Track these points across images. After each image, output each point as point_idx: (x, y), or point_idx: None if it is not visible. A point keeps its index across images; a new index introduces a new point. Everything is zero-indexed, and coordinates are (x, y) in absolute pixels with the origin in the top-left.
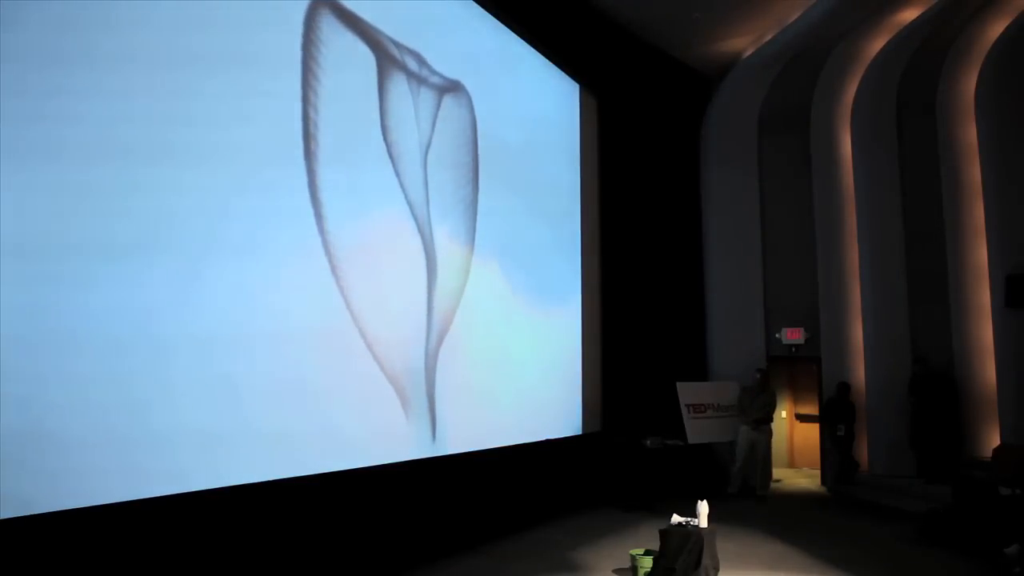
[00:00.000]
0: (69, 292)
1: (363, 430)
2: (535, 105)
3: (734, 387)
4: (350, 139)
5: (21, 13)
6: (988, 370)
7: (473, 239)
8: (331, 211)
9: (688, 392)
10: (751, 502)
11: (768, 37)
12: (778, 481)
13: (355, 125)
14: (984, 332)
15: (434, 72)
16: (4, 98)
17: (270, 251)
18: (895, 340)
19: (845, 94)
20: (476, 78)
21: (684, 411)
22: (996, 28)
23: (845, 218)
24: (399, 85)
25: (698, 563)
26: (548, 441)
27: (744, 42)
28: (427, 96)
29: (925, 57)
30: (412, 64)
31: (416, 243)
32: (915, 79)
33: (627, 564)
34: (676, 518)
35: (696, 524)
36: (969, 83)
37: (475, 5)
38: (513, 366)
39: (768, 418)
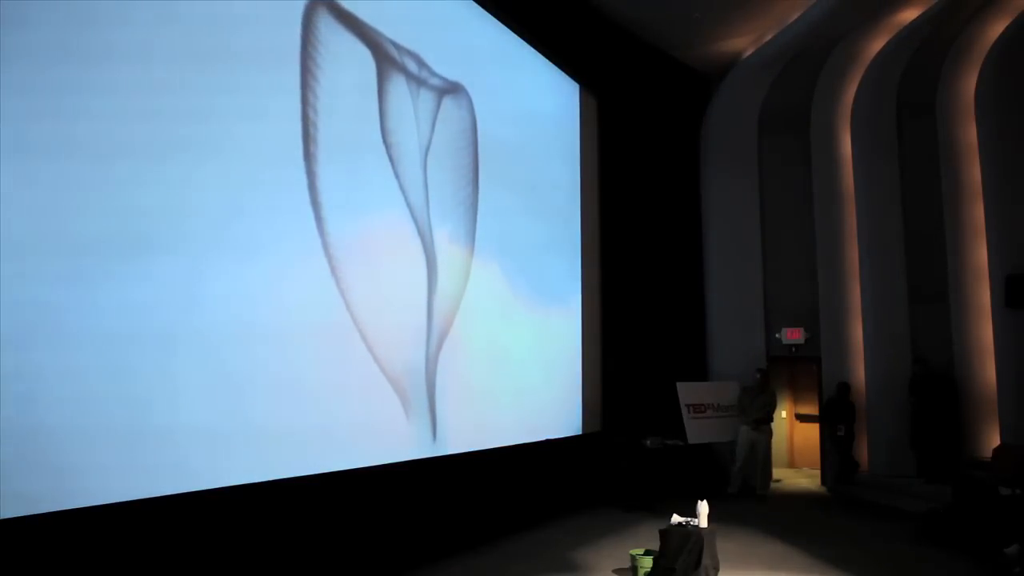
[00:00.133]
0: (71, 289)
1: (364, 430)
2: (535, 105)
3: (734, 387)
4: (350, 140)
5: (27, 11)
6: (988, 370)
7: (473, 240)
8: (331, 212)
9: (688, 392)
10: (751, 502)
11: (768, 37)
12: (778, 481)
13: (355, 126)
14: (984, 332)
15: (434, 73)
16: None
17: (270, 252)
18: (895, 340)
19: (845, 94)
20: (476, 78)
21: (684, 411)
22: (996, 28)
23: (845, 218)
24: (399, 86)
25: (698, 563)
26: (548, 441)
27: (744, 42)
28: (427, 97)
29: (925, 57)
30: (411, 65)
31: (416, 244)
32: (915, 79)
33: (627, 564)
34: (676, 518)
35: (696, 524)
36: (969, 83)
37: (475, 5)
38: (513, 366)
39: (768, 418)
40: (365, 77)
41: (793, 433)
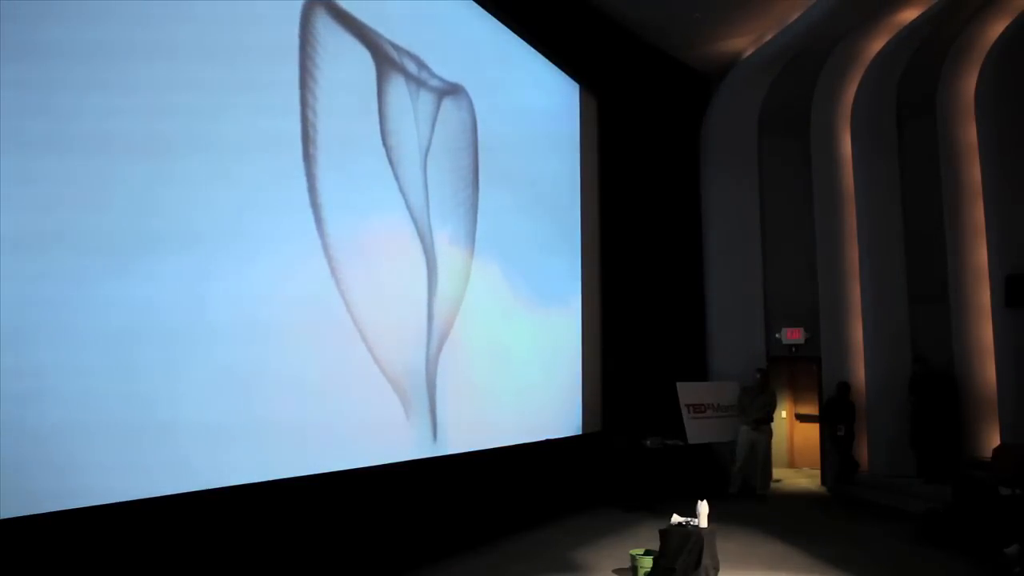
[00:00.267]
0: (73, 286)
1: (365, 430)
2: (535, 105)
3: (734, 387)
4: (349, 142)
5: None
6: (988, 370)
7: (473, 240)
8: (331, 214)
9: (688, 392)
10: (751, 502)
11: (768, 37)
12: (778, 481)
13: (354, 128)
14: (984, 332)
15: (433, 74)
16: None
17: (270, 253)
18: (895, 340)
19: (845, 94)
20: (476, 79)
21: (684, 411)
22: (996, 28)
23: (845, 218)
24: (398, 88)
25: (698, 563)
26: (548, 441)
27: (744, 42)
28: (426, 99)
29: (925, 57)
30: (411, 67)
31: (416, 245)
32: (915, 79)
33: (627, 564)
34: (676, 518)
35: (696, 524)
36: (969, 83)
37: (475, 5)
38: (514, 366)
39: (768, 418)
40: (365, 79)
41: (793, 433)
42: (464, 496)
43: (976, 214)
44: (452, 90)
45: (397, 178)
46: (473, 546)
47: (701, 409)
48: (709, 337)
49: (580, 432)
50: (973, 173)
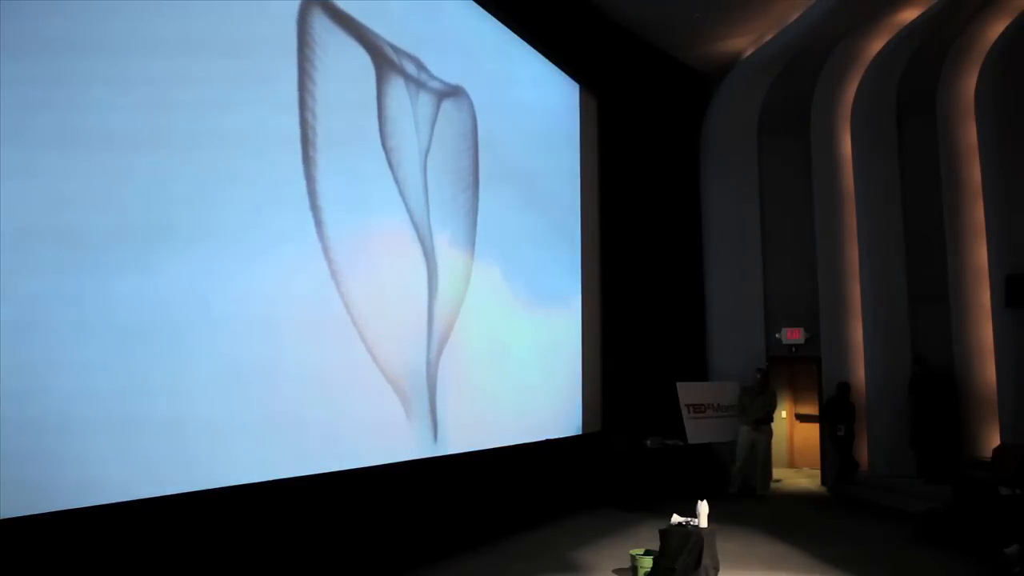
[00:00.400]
0: (75, 282)
1: (365, 431)
2: (535, 106)
3: (734, 387)
4: (348, 145)
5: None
6: (988, 370)
7: (473, 242)
8: (331, 216)
9: (688, 392)
10: (751, 502)
11: (768, 37)
12: (778, 481)
13: (353, 130)
14: (984, 332)
15: (433, 76)
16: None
17: (270, 255)
18: (895, 340)
19: (845, 94)
20: (475, 79)
21: (684, 411)
22: (996, 28)
23: (845, 218)
24: (398, 90)
25: (698, 563)
26: (548, 441)
27: (744, 42)
28: (426, 101)
29: (925, 57)
30: (411, 68)
31: (416, 248)
32: (915, 79)
33: (627, 564)
34: (676, 518)
35: (696, 524)
36: (969, 83)
37: (475, 5)
38: (514, 366)
39: (768, 418)
40: (364, 81)
41: (793, 433)
42: (464, 496)
43: (976, 214)
44: (452, 91)
45: (397, 181)
46: (473, 546)
47: (701, 409)
48: (709, 337)
49: (580, 432)
50: (973, 173)
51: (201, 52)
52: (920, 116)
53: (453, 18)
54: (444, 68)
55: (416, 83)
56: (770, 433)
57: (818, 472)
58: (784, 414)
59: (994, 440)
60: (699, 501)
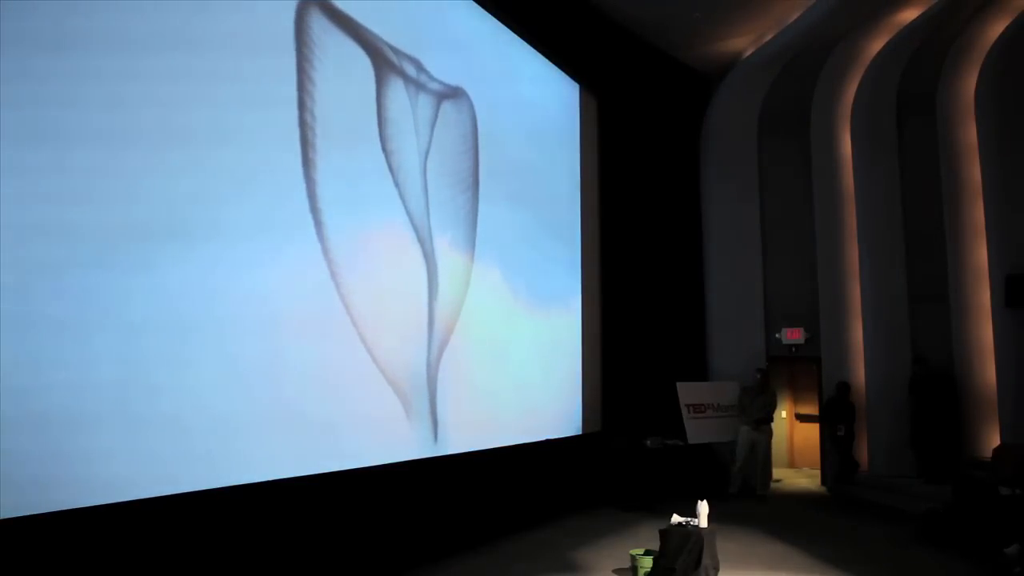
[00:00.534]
0: (78, 279)
1: (366, 431)
2: (535, 106)
3: (734, 387)
4: (348, 147)
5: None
6: (988, 370)
7: (473, 243)
8: (331, 218)
9: (688, 392)
10: (751, 502)
11: (768, 37)
12: (778, 481)
13: (353, 132)
14: (984, 332)
15: (433, 78)
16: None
17: (273, 256)
18: (895, 340)
19: (845, 94)
20: (475, 80)
21: (684, 411)
22: (996, 28)
23: (845, 218)
24: (397, 92)
25: (698, 563)
26: (548, 441)
27: (744, 42)
28: (425, 102)
29: (925, 57)
30: (410, 70)
31: (416, 249)
32: (915, 79)
33: (627, 564)
34: (676, 518)
35: (696, 524)
36: (969, 83)
37: (475, 5)
38: (514, 366)
39: (768, 418)
40: (364, 83)
41: (793, 433)
42: (464, 496)
43: (976, 214)
44: (452, 93)
45: (397, 183)
46: (473, 546)
47: (701, 409)
48: (709, 337)
49: (580, 432)
50: (973, 173)
51: (201, 52)
52: (920, 116)
53: (453, 18)
54: (444, 69)
55: (416, 84)
56: (770, 433)
57: (818, 472)
58: (784, 414)
59: (994, 440)
60: (699, 501)
